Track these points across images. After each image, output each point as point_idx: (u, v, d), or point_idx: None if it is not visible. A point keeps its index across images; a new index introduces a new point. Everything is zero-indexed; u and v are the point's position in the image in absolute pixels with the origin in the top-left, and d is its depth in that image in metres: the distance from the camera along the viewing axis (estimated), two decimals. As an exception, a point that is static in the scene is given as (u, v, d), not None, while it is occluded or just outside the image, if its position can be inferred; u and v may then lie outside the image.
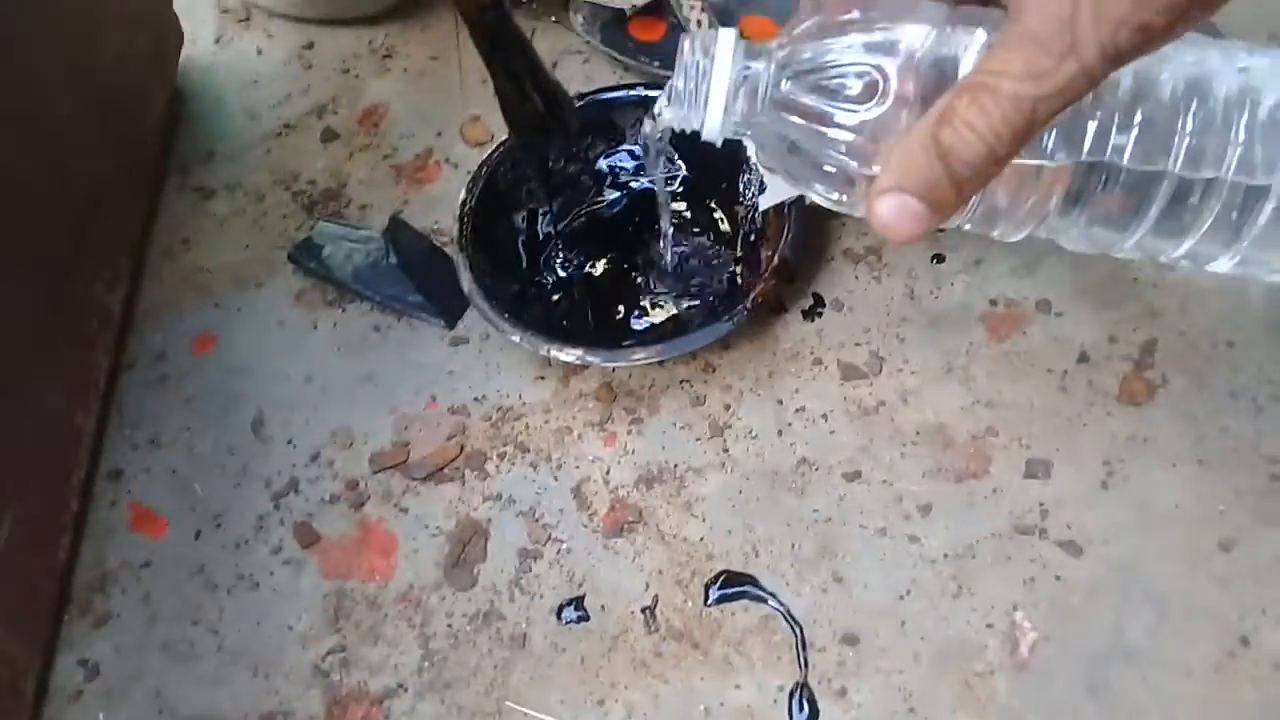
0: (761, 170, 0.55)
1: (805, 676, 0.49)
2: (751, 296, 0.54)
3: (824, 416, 0.56)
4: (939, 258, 0.60)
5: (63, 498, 0.55)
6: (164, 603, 0.54)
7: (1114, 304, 0.58)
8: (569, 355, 0.54)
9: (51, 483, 0.54)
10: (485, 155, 0.61)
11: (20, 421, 0.52)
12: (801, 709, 0.49)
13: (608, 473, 0.56)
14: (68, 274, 0.57)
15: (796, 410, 0.56)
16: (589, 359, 0.54)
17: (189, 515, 0.57)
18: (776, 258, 0.56)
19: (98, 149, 0.61)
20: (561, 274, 0.62)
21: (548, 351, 0.54)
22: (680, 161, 0.63)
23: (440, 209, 0.65)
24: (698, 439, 0.56)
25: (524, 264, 0.62)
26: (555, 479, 0.56)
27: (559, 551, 0.54)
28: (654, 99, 0.45)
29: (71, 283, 0.57)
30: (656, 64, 0.68)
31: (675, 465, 0.55)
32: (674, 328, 0.59)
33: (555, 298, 0.61)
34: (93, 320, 0.59)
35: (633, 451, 0.56)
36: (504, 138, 0.61)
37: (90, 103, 0.60)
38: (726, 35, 0.42)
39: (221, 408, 0.60)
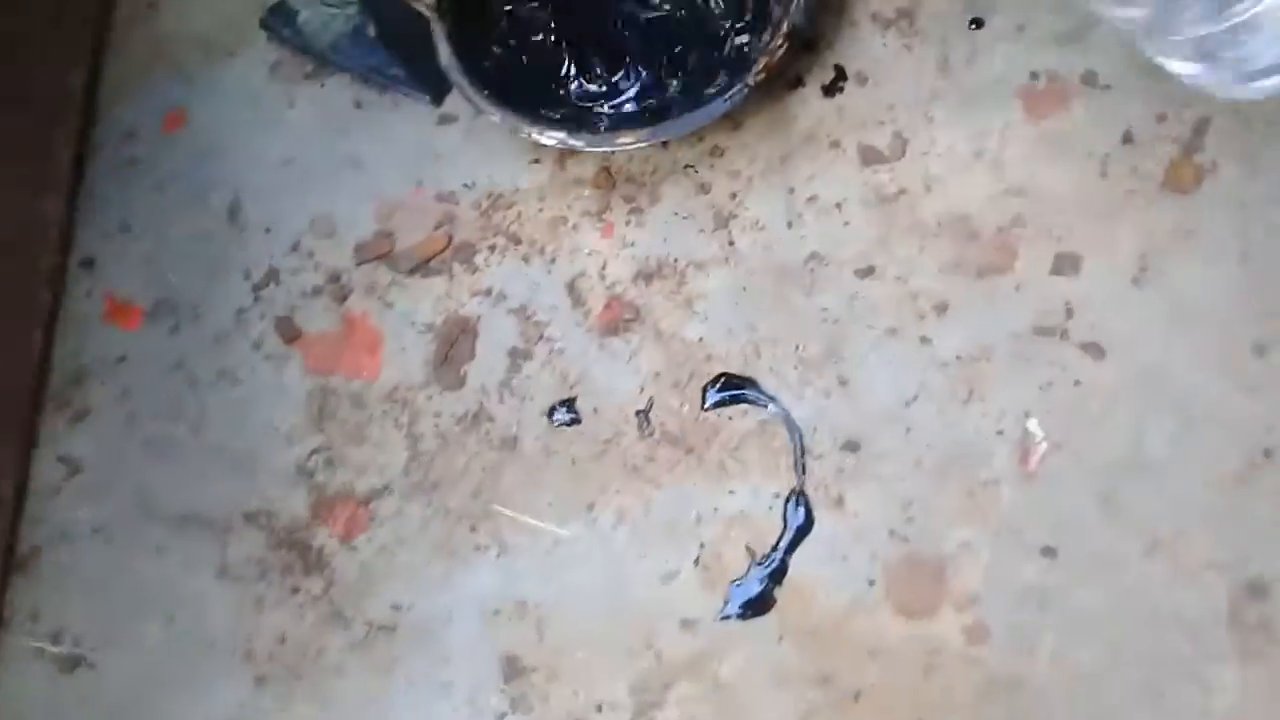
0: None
1: (803, 483, 0.48)
2: (754, 72, 0.49)
3: (838, 206, 0.52)
4: (977, 22, 0.54)
5: (31, 287, 0.53)
6: (143, 398, 0.53)
7: (1168, 76, 0.52)
8: (550, 139, 0.49)
9: (19, 271, 0.52)
10: None
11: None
12: (797, 514, 0.47)
13: (604, 267, 0.52)
14: (17, 51, 0.52)
15: (809, 199, 0.52)
16: (572, 143, 0.49)
17: (165, 307, 0.55)
18: (787, 24, 0.49)
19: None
20: (542, 38, 0.56)
21: (529, 134, 0.49)
22: None
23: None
24: (701, 230, 0.52)
25: (509, 31, 0.56)
26: (549, 273, 0.53)
27: (551, 351, 0.51)
28: None
29: (23, 61, 0.53)
30: None
31: (676, 259, 0.52)
32: (670, 108, 0.54)
33: (538, 69, 0.55)
34: (51, 100, 0.55)
35: (632, 244, 0.52)
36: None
37: None
38: None
39: (195, 192, 0.57)
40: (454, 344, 0.52)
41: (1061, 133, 0.52)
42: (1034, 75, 0.53)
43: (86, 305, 0.55)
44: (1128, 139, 0.51)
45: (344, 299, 0.53)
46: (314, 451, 0.51)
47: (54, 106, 0.55)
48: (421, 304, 0.53)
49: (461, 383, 0.51)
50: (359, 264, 0.54)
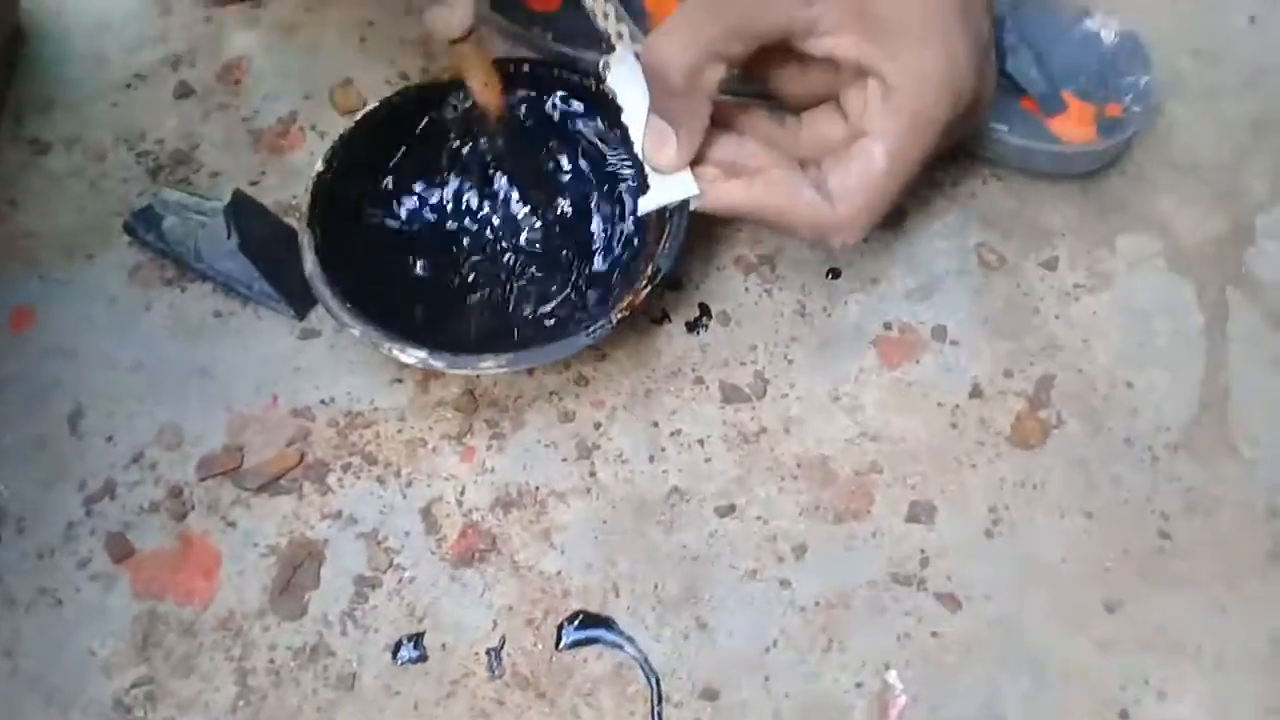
0: (648, 169, 0.50)
1: (658, 733, 0.46)
2: (618, 309, 0.49)
3: (701, 442, 0.52)
4: (834, 272, 0.56)
5: None
6: (-49, 619, 0.49)
7: (1012, 334, 0.55)
8: (411, 357, 0.48)
9: None
10: (353, 122, 0.55)
11: None
12: (652, 767, 0.45)
13: (462, 493, 0.51)
14: None
15: (672, 433, 0.52)
16: (433, 363, 0.48)
17: (-12, 518, 0.51)
18: (651, 267, 0.51)
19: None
20: (424, 271, 0.56)
21: (389, 350, 0.48)
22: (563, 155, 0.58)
23: (300, 182, 0.59)
24: (563, 459, 0.52)
25: (384, 250, 0.56)
26: (404, 497, 0.51)
27: (400, 580, 0.49)
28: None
29: None
30: (550, 36, 0.62)
31: (537, 488, 0.51)
32: (543, 332, 0.54)
33: (416, 292, 0.55)
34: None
35: (491, 470, 0.51)
36: (375, 105, 0.55)
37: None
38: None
39: (36, 395, 0.54)
40: (297, 569, 0.49)
41: (914, 382, 0.53)
42: (887, 326, 0.55)
43: (-100, 509, 0.51)
44: (976, 392, 0.53)
45: (183, 516, 0.50)
46: (135, 685, 0.47)
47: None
48: (266, 525, 0.50)
49: (302, 612, 0.48)
50: (202, 479, 0.51)
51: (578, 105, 0.58)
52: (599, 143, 0.58)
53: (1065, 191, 0.58)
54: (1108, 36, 0.59)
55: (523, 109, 0.58)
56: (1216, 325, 0.55)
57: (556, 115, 0.58)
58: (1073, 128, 0.57)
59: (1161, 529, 0.50)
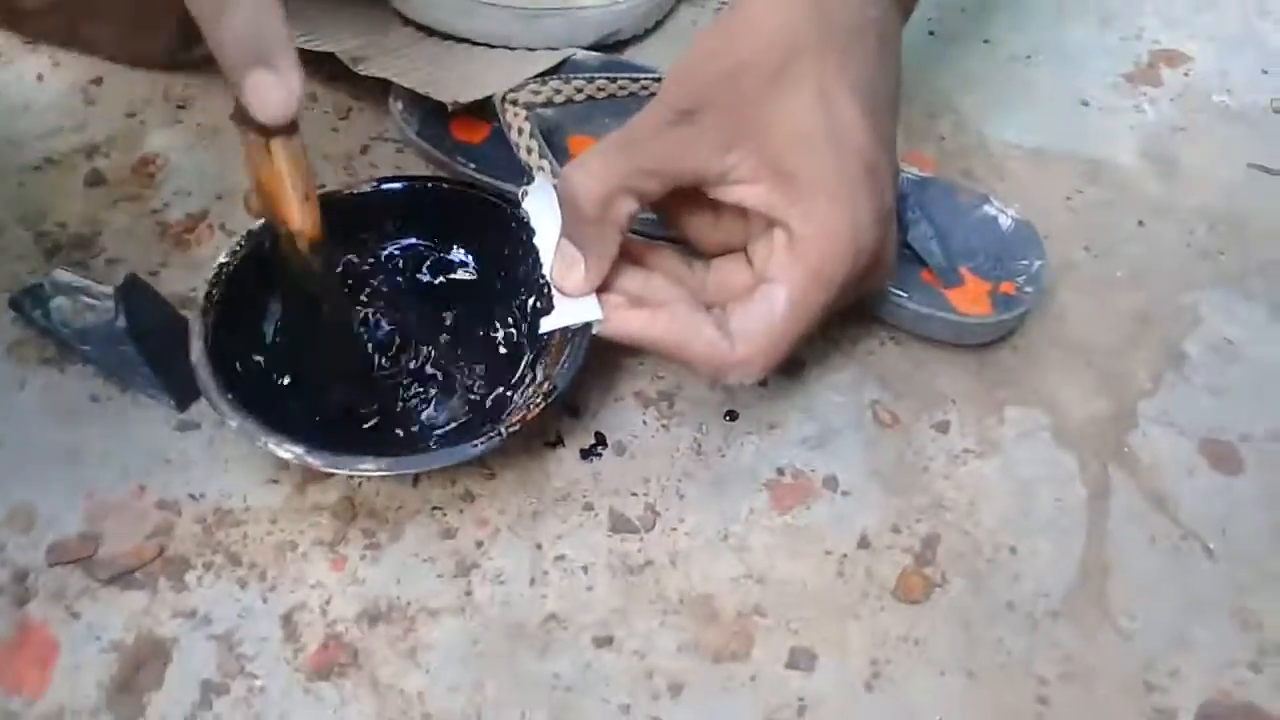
0: (552, 289, 0.51)
1: None
2: (508, 424, 0.49)
3: (584, 569, 0.51)
4: (732, 414, 0.57)
5: None
6: None
7: (902, 490, 0.55)
8: (286, 452, 0.46)
9: None
10: (262, 224, 0.55)
11: None
12: None
13: (328, 602, 0.48)
14: None
15: (556, 558, 0.51)
16: (309, 460, 0.46)
17: None
18: (548, 384, 0.50)
19: None
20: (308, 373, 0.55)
21: (265, 444, 0.47)
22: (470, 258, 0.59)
23: (202, 276, 0.58)
24: (439, 575, 0.50)
25: (271, 348, 0.54)
26: (264, 601, 0.48)
27: (250, 689, 0.46)
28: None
29: None
30: (473, 166, 0.64)
31: (408, 603, 0.49)
32: (431, 442, 0.53)
33: (302, 390, 0.54)
34: None
35: (362, 581, 0.49)
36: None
37: None
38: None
39: (-118, 463, 0.50)
40: (140, 668, 0.45)
41: (803, 528, 0.53)
42: (780, 470, 0.55)
43: None
44: (864, 543, 0.53)
45: (25, 602, 0.47)
46: (-59, 782, 0.42)
47: None
48: (112, 618, 0.47)
49: (139, 715, 0.44)
50: (51, 564, 0.48)
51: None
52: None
53: (959, 360, 0.60)
54: (1005, 221, 0.62)
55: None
56: (1098, 500, 0.56)
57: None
58: (968, 301, 0.59)
59: (1040, 694, 0.49)
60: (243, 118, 0.41)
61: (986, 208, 0.62)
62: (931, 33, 0.76)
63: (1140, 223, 0.67)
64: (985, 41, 0.77)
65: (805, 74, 0.47)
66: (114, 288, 0.53)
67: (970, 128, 0.71)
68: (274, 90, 0.40)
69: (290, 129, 0.42)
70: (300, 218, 0.45)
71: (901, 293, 0.59)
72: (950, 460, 0.56)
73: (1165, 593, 0.52)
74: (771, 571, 0.52)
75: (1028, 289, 0.59)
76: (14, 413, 0.53)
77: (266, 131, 0.41)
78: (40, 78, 0.68)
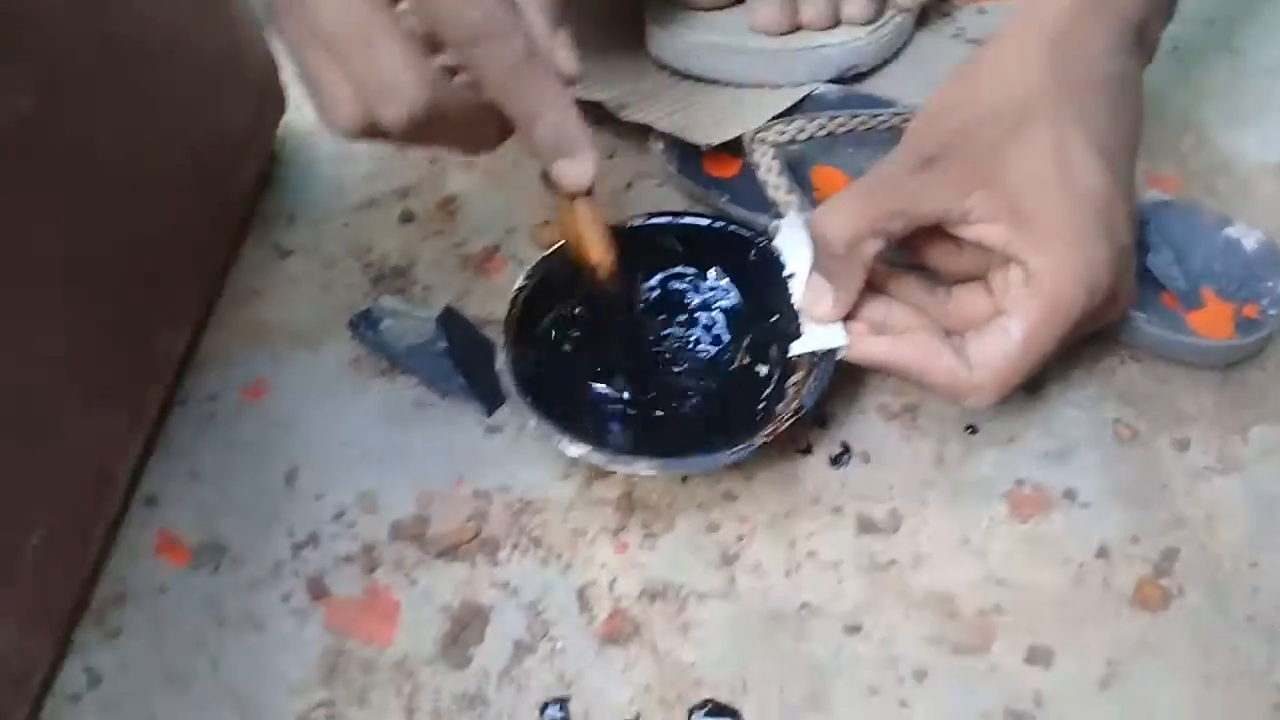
0: (801, 316, 0.57)
1: (770, 821, 0.49)
2: (761, 434, 0.55)
3: (834, 565, 0.57)
4: (972, 428, 0.61)
5: (98, 513, 0.57)
6: (173, 628, 0.56)
7: (1141, 505, 0.58)
8: (576, 450, 0.55)
9: (91, 499, 0.57)
10: (550, 251, 0.63)
11: (74, 438, 0.54)
12: None
13: (614, 581, 0.56)
14: (141, 313, 0.60)
15: (808, 554, 0.57)
16: (593, 459, 0.55)
17: (211, 550, 0.59)
18: (798, 402, 0.57)
19: (190, 200, 0.65)
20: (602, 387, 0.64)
21: (558, 443, 0.55)
22: (727, 284, 0.66)
23: (498, 300, 0.66)
24: (706, 564, 0.57)
25: (567, 361, 0.63)
26: (562, 577, 0.57)
27: (553, 649, 0.54)
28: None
29: (143, 321, 0.61)
30: (726, 198, 0.71)
31: (680, 586, 0.56)
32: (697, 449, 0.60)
33: (589, 402, 0.63)
34: (156, 357, 0.62)
35: (642, 564, 0.57)
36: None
37: (190, 157, 0.64)
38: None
39: (260, 454, 0.62)
40: (465, 627, 0.55)
41: (1042, 536, 0.57)
42: (1019, 482, 0.59)
43: (141, 536, 0.59)
44: (1102, 553, 0.56)
45: (373, 570, 0.57)
46: (318, 705, 0.53)
47: (156, 363, 0.61)
48: (442, 585, 0.57)
49: (466, 664, 0.54)
50: (392, 540, 0.58)
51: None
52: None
53: (1202, 379, 0.62)
54: (1249, 243, 0.63)
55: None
56: (1345, 519, 0.57)
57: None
58: (1210, 323, 0.61)
59: (1277, 702, 0.51)
60: (549, 182, 0.53)
61: (1229, 230, 0.63)
62: (1175, 48, 0.77)
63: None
64: (1231, 53, 0.77)
65: (1043, 124, 0.51)
66: (436, 317, 0.62)
67: (1214, 145, 0.72)
68: (575, 169, 0.51)
69: (589, 190, 0.53)
70: (600, 256, 0.55)
71: (1141, 314, 0.61)
72: (1191, 477, 0.59)
73: None
74: (1010, 575, 0.56)
75: (1272, 311, 0.60)
76: (356, 416, 0.64)
77: (570, 194, 0.53)
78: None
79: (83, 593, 0.56)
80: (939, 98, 0.53)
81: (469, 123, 0.51)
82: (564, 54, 0.52)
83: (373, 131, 0.49)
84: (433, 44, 0.48)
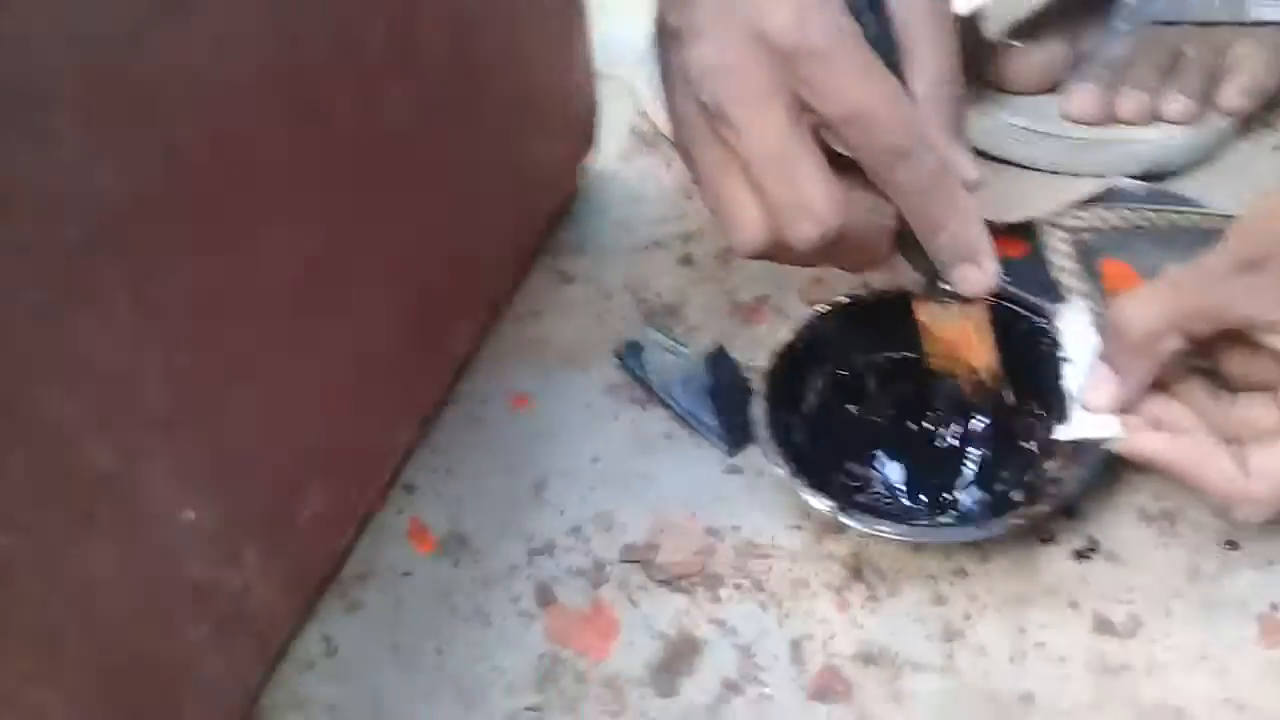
0: (1073, 402, 0.56)
1: None
2: (1013, 515, 0.54)
3: (1062, 659, 0.55)
4: (1233, 544, 0.58)
5: (365, 494, 0.63)
6: (410, 611, 0.61)
7: None
8: (821, 504, 0.56)
9: (363, 479, 0.63)
10: (827, 308, 0.65)
11: (361, 421, 0.60)
12: None
13: (831, 637, 0.57)
14: (439, 316, 0.66)
15: (1036, 644, 0.55)
16: (839, 516, 0.56)
17: (455, 543, 0.63)
18: (1055, 488, 0.55)
19: (499, 221, 0.71)
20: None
21: (804, 494, 0.57)
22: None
23: (759, 350, 0.69)
24: (928, 636, 0.56)
25: (808, 414, 0.64)
26: (780, 625, 0.58)
27: (760, 694, 0.55)
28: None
29: (439, 324, 0.67)
30: (1008, 280, 0.70)
31: (897, 654, 0.56)
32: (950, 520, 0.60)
33: (831, 455, 0.63)
34: (442, 359, 0.68)
35: (861, 625, 0.57)
36: (846, 298, 0.65)
37: (510, 181, 0.70)
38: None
39: (515, 461, 0.67)
40: (678, 656, 0.57)
41: (1294, 667, 0.53)
42: (1275, 606, 0.55)
43: (395, 521, 0.65)
44: (1362, 696, 0.52)
45: (599, 586, 0.60)
46: (528, 708, 0.56)
47: (445, 365, 0.67)
48: (662, 612, 0.59)
49: (673, 693, 0.55)
50: (622, 561, 0.61)
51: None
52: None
53: None
54: None
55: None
56: None
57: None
58: None
59: None
60: (931, 285, 0.56)
61: None
62: None
63: None
64: None
65: None
66: (705, 352, 0.65)
67: None
68: (977, 275, 0.55)
69: (983, 297, 0.56)
70: (988, 361, 0.58)
71: None
72: None
73: None
74: (1252, 700, 0.52)
75: None
76: (608, 438, 0.67)
77: (962, 299, 0.56)
78: (656, 177, 0.84)
79: (335, 566, 0.62)
80: (1271, 202, 0.51)
81: (862, 247, 0.54)
82: (965, 163, 0.55)
83: (774, 252, 0.53)
84: (841, 166, 0.52)
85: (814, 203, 0.50)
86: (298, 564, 0.58)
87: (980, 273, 0.54)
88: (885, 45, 0.53)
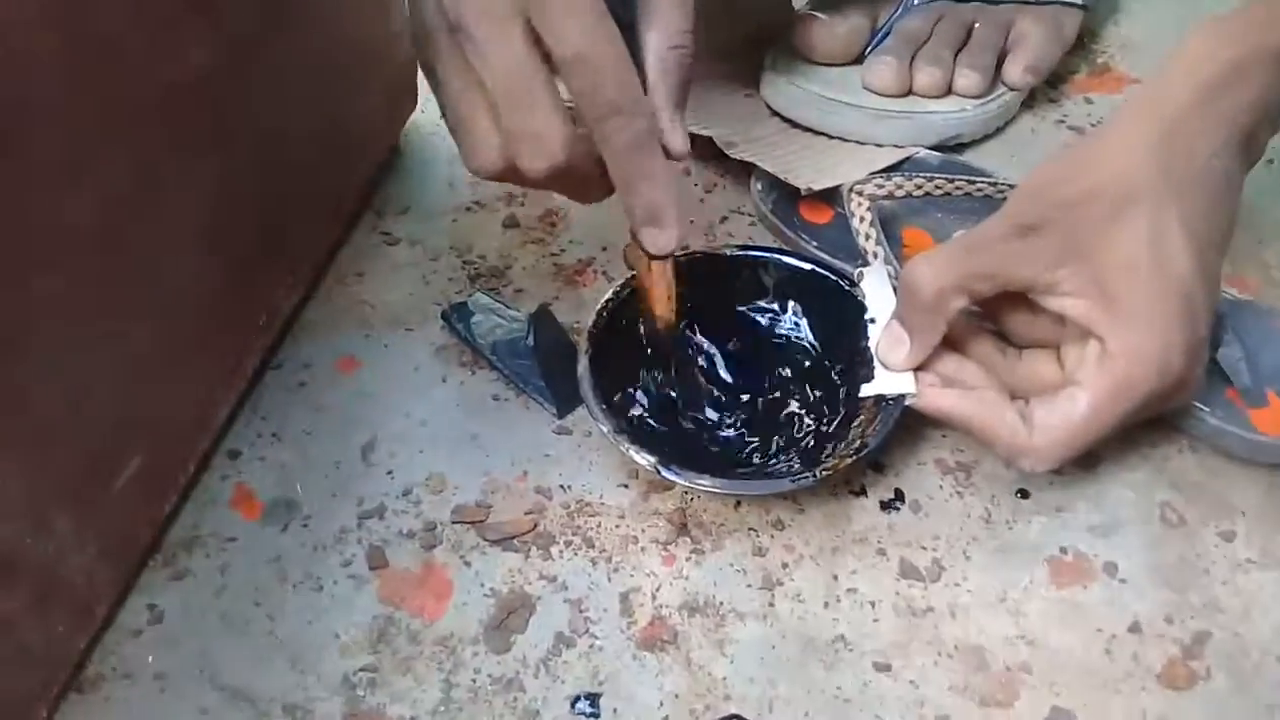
0: (875, 359, 0.59)
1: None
2: (822, 468, 0.58)
3: (872, 604, 0.58)
4: (1024, 493, 0.63)
5: (187, 458, 0.61)
6: (237, 577, 0.59)
7: (1179, 587, 0.59)
8: (644, 460, 0.58)
9: (184, 442, 0.61)
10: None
11: (180, 380, 0.58)
12: None
13: (658, 589, 0.59)
14: (258, 275, 0.64)
15: (848, 590, 0.59)
16: (661, 471, 0.57)
17: (283, 508, 0.62)
18: (860, 442, 0.59)
19: (319, 177, 0.69)
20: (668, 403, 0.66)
21: (626, 450, 0.58)
22: (804, 323, 0.68)
23: (585, 312, 0.70)
24: (749, 585, 0.59)
25: (648, 373, 0.66)
26: (609, 580, 0.59)
27: (591, 646, 0.57)
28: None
29: (259, 283, 0.65)
30: (814, 244, 0.73)
31: (721, 603, 0.58)
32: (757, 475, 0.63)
33: (657, 412, 0.65)
34: (262, 317, 0.66)
35: (686, 577, 0.59)
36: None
37: (324, 140, 0.69)
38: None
39: (342, 424, 0.66)
40: (511, 613, 0.58)
41: (1078, 604, 0.58)
42: (1063, 550, 0.60)
43: (219, 488, 0.63)
44: (1134, 628, 0.58)
45: (431, 548, 0.60)
46: (362, 669, 0.56)
47: (261, 323, 0.65)
48: (494, 571, 0.59)
49: (506, 649, 0.56)
50: (453, 522, 0.61)
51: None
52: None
53: (1254, 476, 0.63)
54: (1319, 348, 0.64)
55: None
56: (1383, 628, 0.57)
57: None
58: (1271, 422, 0.62)
59: (1290, 796, 0.52)
60: (634, 238, 0.58)
61: (1300, 333, 0.65)
62: (1270, 161, 0.79)
63: None
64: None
65: (1143, 210, 0.53)
66: (528, 314, 0.66)
67: (1299, 257, 0.73)
68: (661, 238, 0.57)
69: (667, 257, 0.59)
70: (665, 312, 0.62)
71: (1204, 407, 0.63)
72: (1232, 567, 0.60)
73: None
74: (1042, 637, 0.57)
75: (1334, 418, 0.62)
76: (435, 400, 0.67)
77: (651, 255, 0.58)
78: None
79: (156, 534, 0.60)
80: (1045, 171, 0.55)
81: (586, 180, 0.56)
82: (678, 137, 0.57)
83: (508, 176, 0.55)
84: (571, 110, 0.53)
85: (546, 136, 0.52)
86: (115, 532, 0.55)
87: (664, 235, 0.57)
88: (627, 5, 0.55)
